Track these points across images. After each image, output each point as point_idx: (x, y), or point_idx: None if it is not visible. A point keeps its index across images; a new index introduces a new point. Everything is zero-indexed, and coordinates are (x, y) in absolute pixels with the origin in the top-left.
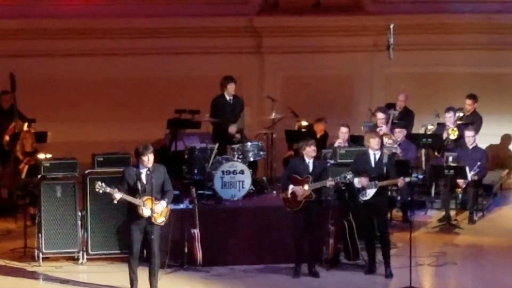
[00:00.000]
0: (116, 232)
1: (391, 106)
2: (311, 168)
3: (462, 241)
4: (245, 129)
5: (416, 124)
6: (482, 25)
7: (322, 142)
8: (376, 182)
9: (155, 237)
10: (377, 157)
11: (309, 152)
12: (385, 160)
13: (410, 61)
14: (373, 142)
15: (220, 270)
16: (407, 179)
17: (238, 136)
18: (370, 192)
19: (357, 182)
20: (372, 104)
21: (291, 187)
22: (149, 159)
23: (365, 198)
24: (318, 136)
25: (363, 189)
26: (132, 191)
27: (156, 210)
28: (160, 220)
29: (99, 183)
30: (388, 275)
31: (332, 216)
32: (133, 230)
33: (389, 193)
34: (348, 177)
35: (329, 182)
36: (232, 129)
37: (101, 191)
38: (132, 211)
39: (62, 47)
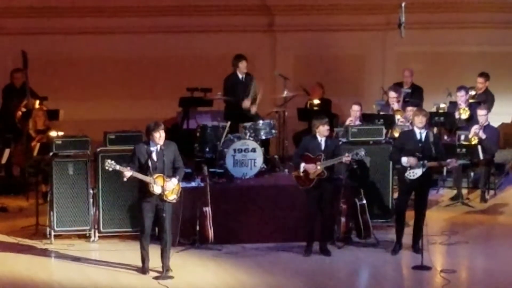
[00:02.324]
0: (127, 209)
1: (399, 85)
2: (323, 146)
3: (474, 219)
4: (258, 101)
5: (428, 102)
6: (494, 4)
7: (326, 108)
8: (425, 162)
9: (167, 215)
10: (423, 136)
11: (322, 131)
12: (431, 138)
13: (422, 39)
14: (417, 120)
15: (232, 248)
16: (460, 162)
17: (254, 108)
18: (418, 172)
19: (406, 161)
20: (384, 83)
21: (302, 165)
22: (160, 135)
23: (412, 178)
24: (315, 99)
25: (411, 168)
26: (143, 168)
27: (168, 187)
28: (171, 197)
29: (109, 161)
30: (417, 249)
31: (343, 195)
32: (144, 208)
33: None
34: (360, 153)
35: (345, 158)
36: (246, 103)
37: (110, 169)
38: (143, 188)
39: (74, 24)
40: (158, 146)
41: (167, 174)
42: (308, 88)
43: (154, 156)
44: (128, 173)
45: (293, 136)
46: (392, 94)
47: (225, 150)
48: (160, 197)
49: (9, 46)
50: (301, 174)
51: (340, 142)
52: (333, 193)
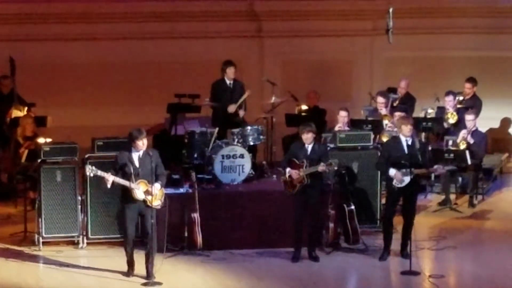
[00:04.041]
0: (116, 216)
1: (392, 90)
2: (308, 153)
3: (462, 225)
4: (246, 112)
5: (416, 108)
6: (482, 9)
7: (317, 116)
8: (412, 169)
9: (152, 220)
10: (410, 143)
11: (306, 139)
12: (417, 146)
13: (410, 45)
14: (405, 129)
15: (220, 254)
16: (447, 168)
17: (241, 112)
18: (405, 180)
19: (393, 174)
20: (372, 88)
21: (288, 170)
22: (143, 143)
23: (399, 186)
24: (310, 107)
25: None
26: (126, 175)
27: (151, 193)
28: (156, 203)
29: (89, 166)
30: (405, 255)
31: (332, 200)
32: (127, 213)
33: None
34: (334, 166)
35: (321, 167)
36: (232, 108)
37: (91, 174)
38: (126, 194)
39: (62, 31)
40: (141, 153)
41: (148, 180)
42: (295, 94)
43: (136, 162)
44: (110, 178)
45: (282, 139)
46: (380, 99)
47: (213, 156)
48: (145, 203)
49: None
50: (288, 180)
51: (329, 148)
52: (321, 198)
